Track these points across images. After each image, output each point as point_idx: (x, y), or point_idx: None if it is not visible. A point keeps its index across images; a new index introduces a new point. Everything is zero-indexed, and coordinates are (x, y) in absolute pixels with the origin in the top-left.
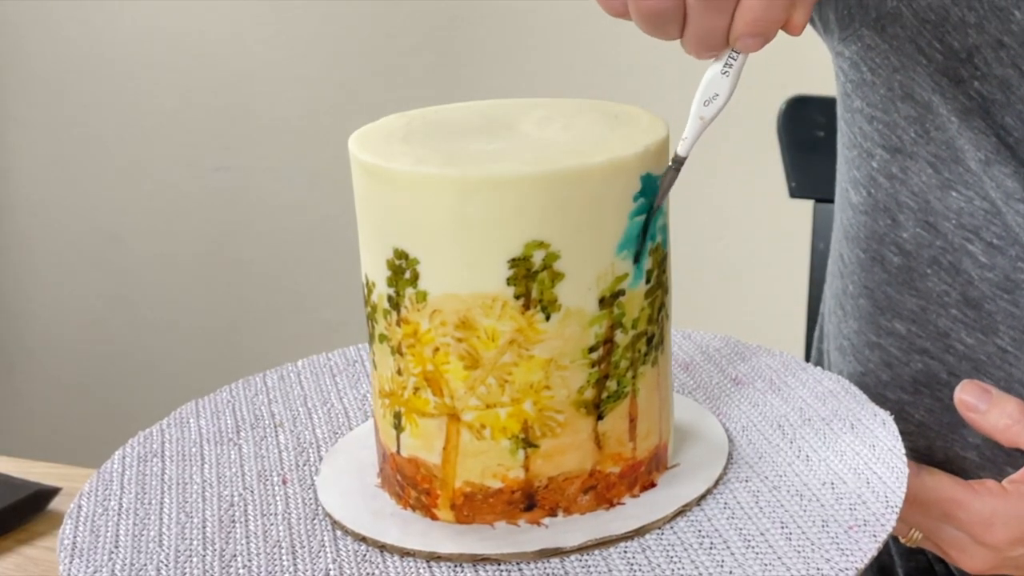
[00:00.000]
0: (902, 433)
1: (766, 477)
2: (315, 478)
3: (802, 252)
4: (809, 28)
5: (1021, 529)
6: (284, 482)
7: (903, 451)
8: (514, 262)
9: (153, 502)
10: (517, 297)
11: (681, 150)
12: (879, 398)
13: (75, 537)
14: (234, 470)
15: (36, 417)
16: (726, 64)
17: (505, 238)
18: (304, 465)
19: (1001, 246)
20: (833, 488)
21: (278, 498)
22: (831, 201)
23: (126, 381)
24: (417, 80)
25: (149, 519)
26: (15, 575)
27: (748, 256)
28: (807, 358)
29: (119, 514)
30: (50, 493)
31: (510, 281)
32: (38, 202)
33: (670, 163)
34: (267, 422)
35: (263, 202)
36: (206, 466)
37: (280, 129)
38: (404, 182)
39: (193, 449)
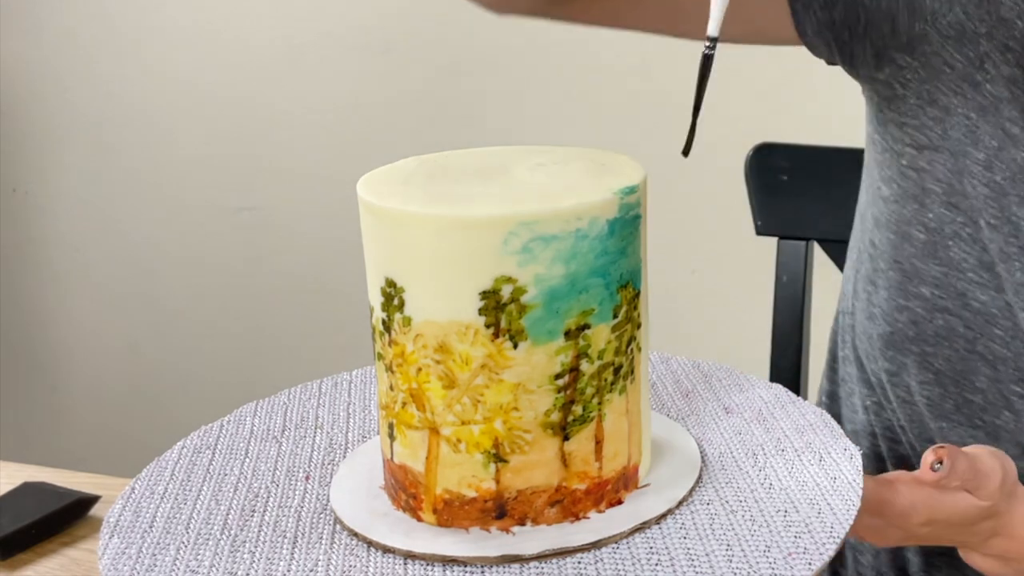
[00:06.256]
0: (921, 382)
1: (727, 501)
2: (333, 476)
3: (767, 284)
4: (779, 80)
5: (929, 515)
6: (307, 479)
7: (860, 484)
8: (485, 294)
9: (192, 490)
10: (488, 326)
11: (711, 30)
12: (905, 352)
13: (119, 516)
14: (268, 465)
15: (78, 432)
16: None
17: (476, 272)
18: (328, 464)
19: (996, 225)
20: (785, 515)
21: (297, 493)
22: (794, 238)
23: (158, 400)
24: (424, 129)
25: (184, 504)
26: (59, 574)
27: (719, 286)
28: (772, 378)
29: (161, 498)
30: (90, 501)
31: (481, 311)
32: (80, 239)
33: (705, 47)
34: (310, 423)
35: (284, 239)
36: (247, 461)
37: (299, 173)
38: (393, 218)
39: (241, 444)
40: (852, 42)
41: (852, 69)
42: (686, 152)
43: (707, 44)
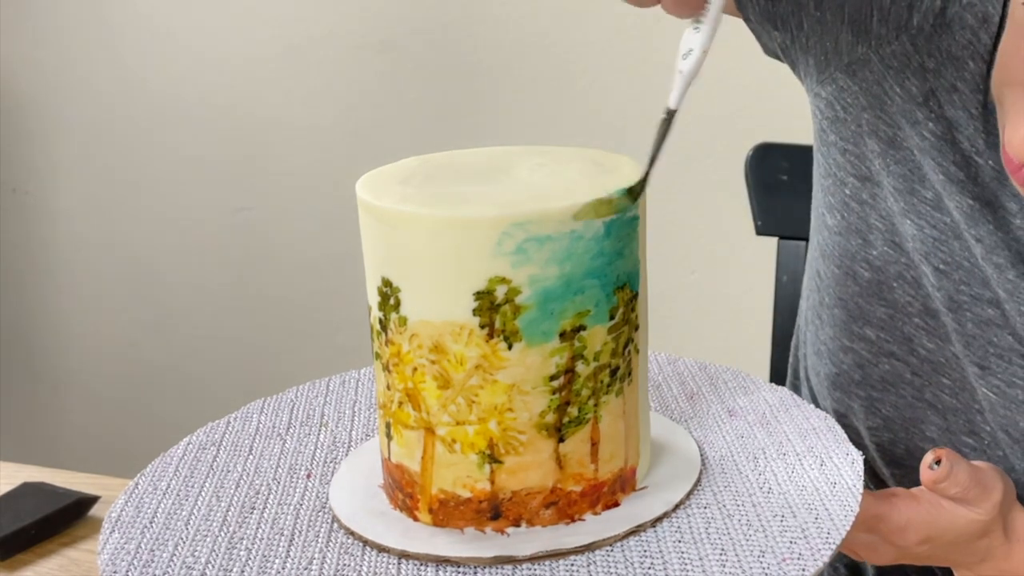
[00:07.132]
0: (870, 428)
1: (724, 505)
2: (334, 475)
3: (767, 284)
4: (779, 80)
5: (927, 532)
6: (308, 476)
7: (860, 490)
8: (479, 295)
9: (195, 486)
10: (482, 327)
11: (671, 102)
12: (851, 395)
13: (121, 511)
14: (272, 462)
15: (78, 432)
16: (696, 22)
17: (470, 273)
18: (330, 462)
19: (946, 271)
20: (782, 520)
21: (297, 491)
22: (794, 238)
23: (159, 400)
24: (424, 129)
25: (186, 501)
26: (59, 575)
27: (719, 287)
28: (772, 378)
29: (164, 494)
30: (90, 501)
31: (475, 312)
32: (80, 239)
33: (663, 115)
34: (316, 421)
35: (281, 238)
36: (251, 458)
37: (296, 174)
38: (389, 218)
39: (246, 441)
40: (795, 48)
41: (797, 76)
42: (635, 196)
43: (664, 113)
